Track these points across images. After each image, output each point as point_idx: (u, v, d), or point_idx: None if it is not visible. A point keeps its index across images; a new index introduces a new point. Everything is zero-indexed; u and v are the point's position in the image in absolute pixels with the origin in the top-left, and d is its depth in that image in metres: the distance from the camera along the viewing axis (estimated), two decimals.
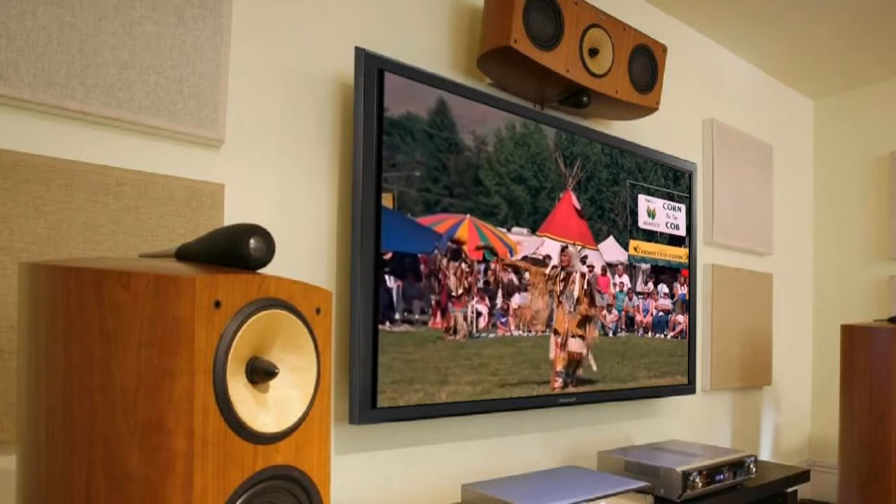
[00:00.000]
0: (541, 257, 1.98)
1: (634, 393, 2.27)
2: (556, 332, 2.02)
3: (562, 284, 2.04)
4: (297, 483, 0.84)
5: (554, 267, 2.02)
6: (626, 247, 2.27)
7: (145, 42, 1.34)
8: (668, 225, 2.45)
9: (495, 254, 1.85)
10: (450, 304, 1.75)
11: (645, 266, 2.34)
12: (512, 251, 1.91)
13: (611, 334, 2.20)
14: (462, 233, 1.78)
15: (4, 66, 1.17)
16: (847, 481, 2.38)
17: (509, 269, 1.89)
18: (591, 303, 2.13)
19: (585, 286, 2.12)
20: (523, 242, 1.94)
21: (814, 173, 3.66)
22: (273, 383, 0.83)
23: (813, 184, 3.65)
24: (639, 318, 2.31)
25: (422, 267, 1.69)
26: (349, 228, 1.71)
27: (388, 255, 1.63)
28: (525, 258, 1.94)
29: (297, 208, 1.62)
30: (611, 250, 2.21)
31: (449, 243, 1.75)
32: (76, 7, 1.25)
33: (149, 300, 0.75)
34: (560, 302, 2.03)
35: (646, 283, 2.34)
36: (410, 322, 1.66)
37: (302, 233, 1.63)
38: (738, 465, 2.08)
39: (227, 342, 0.76)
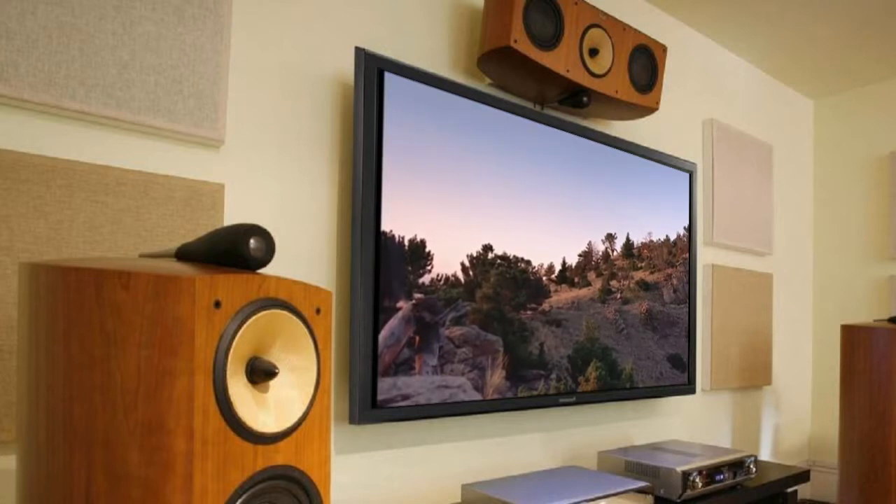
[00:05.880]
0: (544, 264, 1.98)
1: (634, 393, 2.27)
2: (554, 327, 2.02)
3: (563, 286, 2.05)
4: (297, 483, 0.84)
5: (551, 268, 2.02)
6: (626, 248, 2.27)
7: (145, 42, 1.34)
8: (668, 225, 2.45)
9: None
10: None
11: (643, 266, 2.34)
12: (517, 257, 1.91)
13: (610, 335, 2.20)
14: None
15: (4, 66, 1.17)
16: (847, 481, 2.38)
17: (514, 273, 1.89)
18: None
19: (585, 289, 2.12)
20: (526, 240, 1.94)
21: (814, 173, 3.66)
22: (273, 383, 0.83)
23: (813, 184, 3.65)
24: (638, 318, 2.30)
25: None
26: (349, 228, 1.71)
27: None
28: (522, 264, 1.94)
29: (297, 208, 1.62)
30: (610, 251, 2.21)
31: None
32: (76, 7, 1.25)
33: (149, 300, 0.75)
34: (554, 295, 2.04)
35: (645, 285, 2.34)
36: None
37: (302, 233, 1.63)
38: (738, 465, 2.08)
39: (227, 342, 0.76)
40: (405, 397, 1.65)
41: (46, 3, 1.22)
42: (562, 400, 2.02)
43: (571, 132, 2.10)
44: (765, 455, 3.21)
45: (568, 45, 1.94)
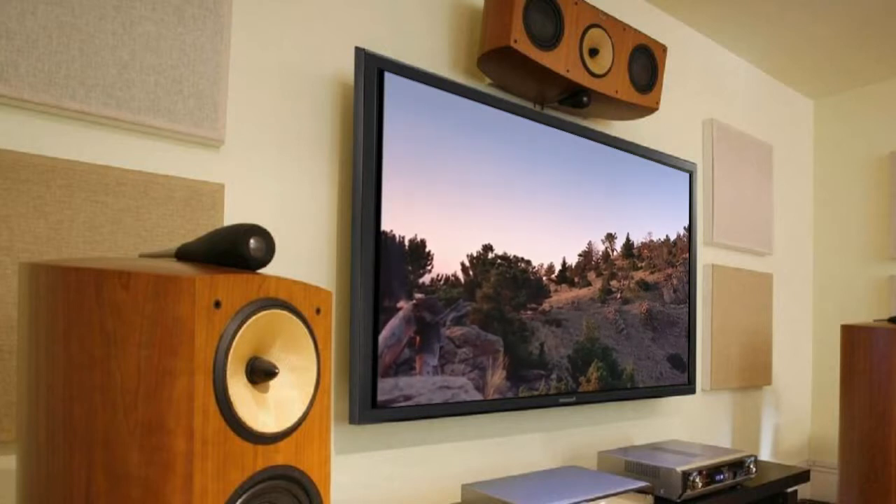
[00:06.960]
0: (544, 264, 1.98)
1: (634, 393, 2.27)
2: (554, 327, 2.02)
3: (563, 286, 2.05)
4: (297, 483, 0.84)
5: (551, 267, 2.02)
6: (626, 248, 2.27)
7: (145, 42, 1.34)
8: (668, 226, 2.45)
9: None
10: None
11: (643, 266, 2.34)
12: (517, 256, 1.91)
13: (610, 335, 2.20)
14: None
15: (4, 66, 1.17)
16: (847, 481, 2.38)
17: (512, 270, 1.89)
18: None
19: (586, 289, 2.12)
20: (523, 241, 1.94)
21: (814, 173, 3.66)
22: (273, 383, 0.83)
23: (813, 184, 3.65)
24: (638, 318, 2.30)
25: None
26: (349, 228, 1.71)
27: None
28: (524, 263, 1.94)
29: (297, 208, 1.62)
30: (610, 251, 2.21)
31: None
32: (76, 7, 1.25)
33: (149, 300, 0.75)
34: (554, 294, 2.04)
35: (645, 285, 2.34)
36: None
37: (302, 233, 1.63)
38: (738, 465, 2.08)
39: (227, 342, 0.76)
40: (406, 398, 1.65)
41: (46, 3, 1.22)
42: (562, 400, 2.01)
43: (571, 132, 2.10)
44: (765, 455, 3.21)
45: (568, 45, 1.94)
